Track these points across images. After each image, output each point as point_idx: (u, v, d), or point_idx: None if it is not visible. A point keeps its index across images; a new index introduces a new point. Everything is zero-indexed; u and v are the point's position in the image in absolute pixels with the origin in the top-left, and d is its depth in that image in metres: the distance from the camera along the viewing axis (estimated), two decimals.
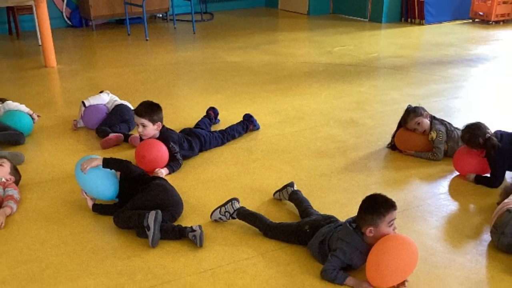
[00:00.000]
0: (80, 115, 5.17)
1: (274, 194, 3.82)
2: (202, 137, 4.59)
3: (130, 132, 4.99)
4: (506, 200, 3.27)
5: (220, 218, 3.47)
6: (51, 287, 2.90)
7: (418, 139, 4.44)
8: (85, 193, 3.65)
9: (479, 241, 3.27)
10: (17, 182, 3.98)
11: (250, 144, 4.79)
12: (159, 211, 3.27)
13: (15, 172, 4.01)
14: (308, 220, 3.26)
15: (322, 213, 3.40)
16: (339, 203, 3.72)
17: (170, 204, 3.50)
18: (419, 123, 4.42)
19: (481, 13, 9.97)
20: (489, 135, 3.89)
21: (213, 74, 7.19)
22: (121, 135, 4.82)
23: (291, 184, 3.74)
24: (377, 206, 2.84)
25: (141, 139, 4.35)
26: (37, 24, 8.12)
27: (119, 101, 5.22)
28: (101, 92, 5.39)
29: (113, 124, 4.97)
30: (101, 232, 3.44)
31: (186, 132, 4.63)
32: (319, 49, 8.45)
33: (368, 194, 2.96)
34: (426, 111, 4.49)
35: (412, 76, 6.85)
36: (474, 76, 6.85)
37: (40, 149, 4.80)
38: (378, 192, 2.98)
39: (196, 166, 4.37)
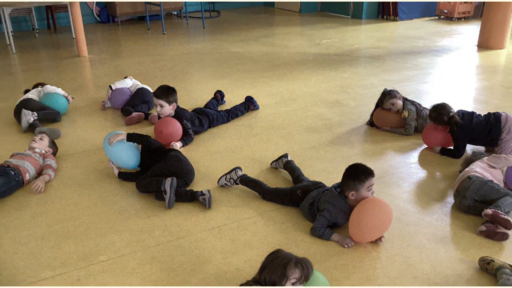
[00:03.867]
0: (107, 97, 5.12)
1: (271, 164, 3.77)
2: (210, 116, 4.55)
3: (150, 111, 4.95)
4: (467, 169, 3.25)
5: (225, 183, 3.44)
6: (83, 242, 2.87)
7: (393, 117, 4.40)
8: (112, 162, 3.62)
9: (444, 203, 3.23)
10: (54, 154, 3.94)
11: (251, 122, 4.73)
12: (174, 178, 3.24)
13: (53, 145, 3.97)
14: (300, 186, 3.22)
15: (311, 179, 3.36)
16: (326, 171, 3.67)
17: (184, 172, 3.45)
18: (393, 104, 4.38)
19: (445, 10, 9.87)
20: (452, 113, 3.86)
21: (219, 62, 7.10)
22: (142, 114, 4.77)
23: (285, 155, 3.69)
24: (358, 174, 2.80)
25: (159, 117, 4.31)
26: (71, 20, 8.01)
27: (141, 85, 5.17)
28: (125, 77, 5.33)
29: (136, 104, 4.93)
30: (125, 195, 3.39)
31: (197, 111, 4.58)
32: (309, 41, 8.34)
33: (351, 163, 2.91)
34: (399, 93, 4.46)
35: (387, 64, 6.76)
36: (440, 64, 6.75)
37: (74, 125, 4.74)
38: (359, 162, 2.93)
39: (205, 140, 4.32)
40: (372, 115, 4.56)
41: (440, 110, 3.89)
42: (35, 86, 5.12)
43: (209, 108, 4.73)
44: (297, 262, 2.12)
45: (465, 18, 9.85)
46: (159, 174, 3.36)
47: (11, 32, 8.41)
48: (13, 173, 3.42)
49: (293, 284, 2.10)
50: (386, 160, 3.89)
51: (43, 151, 3.80)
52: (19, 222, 3.09)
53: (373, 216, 2.69)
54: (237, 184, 3.41)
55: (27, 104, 4.69)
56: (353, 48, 7.78)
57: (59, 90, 5.03)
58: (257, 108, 5.03)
